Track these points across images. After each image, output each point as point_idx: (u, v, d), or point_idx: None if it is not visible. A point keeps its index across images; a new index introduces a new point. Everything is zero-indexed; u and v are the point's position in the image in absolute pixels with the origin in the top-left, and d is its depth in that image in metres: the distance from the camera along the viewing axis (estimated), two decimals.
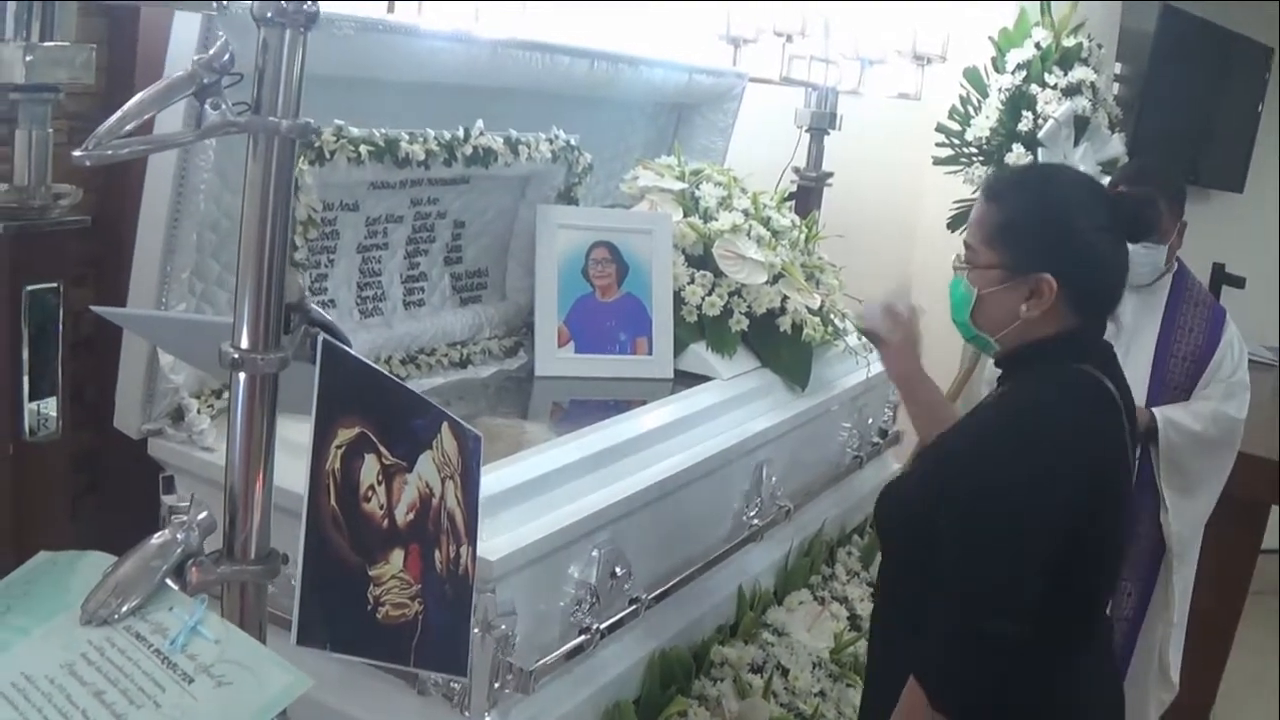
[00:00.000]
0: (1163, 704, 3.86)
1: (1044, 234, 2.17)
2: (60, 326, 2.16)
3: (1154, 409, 3.59)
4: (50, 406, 2.17)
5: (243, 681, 1.19)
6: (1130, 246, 3.43)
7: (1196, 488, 3.66)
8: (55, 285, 2.14)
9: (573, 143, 3.14)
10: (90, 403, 2.53)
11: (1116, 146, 4.71)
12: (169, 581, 1.28)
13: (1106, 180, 4.38)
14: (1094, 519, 2.08)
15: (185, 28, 2.13)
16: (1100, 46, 4.74)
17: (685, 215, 3.29)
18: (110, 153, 1.20)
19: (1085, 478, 2.06)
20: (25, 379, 2.10)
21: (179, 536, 1.28)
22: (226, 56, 1.22)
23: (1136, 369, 3.64)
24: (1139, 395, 3.62)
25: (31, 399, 2.12)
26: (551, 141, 3.07)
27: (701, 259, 3.25)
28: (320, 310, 1.30)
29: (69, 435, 2.28)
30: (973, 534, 2.03)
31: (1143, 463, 3.62)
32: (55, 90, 2.04)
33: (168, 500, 1.39)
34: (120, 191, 2.42)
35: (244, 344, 1.26)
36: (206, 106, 1.22)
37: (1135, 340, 3.66)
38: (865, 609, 3.36)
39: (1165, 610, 3.75)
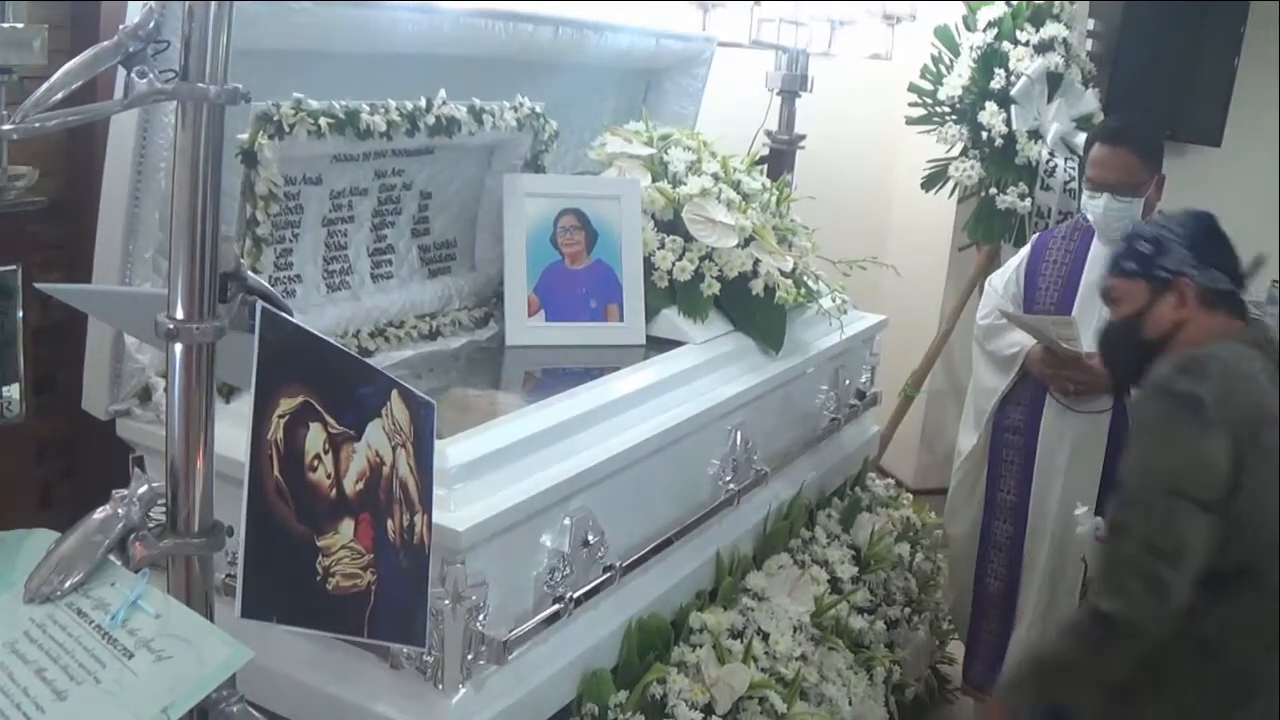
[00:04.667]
0: None
1: None
2: (21, 310, 2.14)
3: None
4: (13, 391, 2.15)
5: (182, 655, 1.18)
6: (1102, 199, 3.45)
7: None
8: (13, 268, 2.12)
9: (538, 110, 3.11)
10: (62, 388, 2.52)
11: (1091, 102, 4.70)
12: (112, 557, 1.27)
13: (1082, 137, 4.38)
14: None
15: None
16: (1072, 2, 4.72)
17: (654, 180, 3.27)
18: (38, 124, 1.18)
19: None
20: None
21: (120, 511, 1.27)
22: (152, 24, 1.20)
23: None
24: None
25: None
26: (516, 109, 3.04)
27: (671, 224, 3.23)
28: (258, 278, 1.28)
29: (39, 421, 2.27)
30: None
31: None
32: (9, 72, 2.02)
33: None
34: (85, 174, 2.41)
35: (179, 314, 1.24)
36: (134, 75, 1.20)
37: None
38: (846, 572, 3.36)
39: None
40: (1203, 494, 2.30)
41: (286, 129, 2.47)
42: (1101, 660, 2.37)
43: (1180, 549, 2.29)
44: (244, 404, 1.49)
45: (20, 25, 2.01)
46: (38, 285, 1.60)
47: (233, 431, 1.37)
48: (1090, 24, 5.70)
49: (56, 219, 2.35)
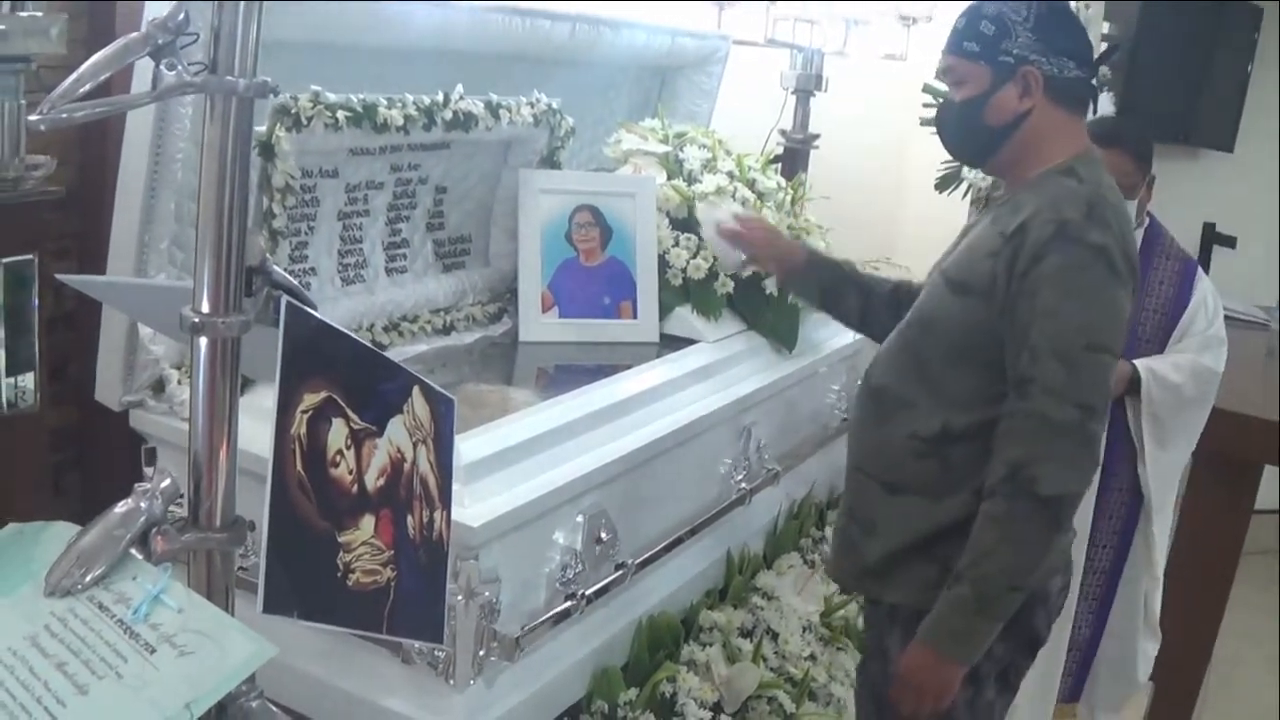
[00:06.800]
0: (1149, 657, 3.85)
1: None
2: (36, 300, 2.13)
3: (1135, 361, 3.57)
4: (28, 380, 2.15)
5: (205, 650, 1.17)
6: None
7: (1172, 439, 3.64)
8: (30, 257, 2.11)
9: (554, 106, 3.11)
10: (73, 377, 2.51)
11: (1105, 106, 4.68)
12: (134, 551, 1.26)
13: None
14: None
15: None
16: (1088, 6, 4.70)
17: (669, 178, 3.27)
18: (65, 116, 1.18)
19: None
20: (1, 352, 2.07)
21: (142, 505, 1.27)
22: (181, 16, 1.20)
23: None
24: None
25: (9, 373, 2.10)
26: (533, 105, 3.04)
27: (686, 222, 3.23)
28: (283, 273, 1.28)
29: (49, 410, 2.27)
30: None
31: (1115, 414, 3.60)
32: (26, 61, 2.01)
33: (149, 472, 1.37)
34: (101, 164, 2.40)
35: (205, 308, 1.24)
36: (162, 68, 1.20)
37: None
38: None
39: (1149, 564, 3.74)
40: (1116, 345, 2.20)
41: (304, 122, 2.47)
42: (1056, 544, 2.23)
43: (1105, 403, 2.20)
44: (257, 396, 1.48)
45: (39, 14, 2.00)
46: (59, 276, 1.59)
47: (246, 422, 1.36)
48: (1105, 28, 5.70)
49: (70, 208, 2.34)
